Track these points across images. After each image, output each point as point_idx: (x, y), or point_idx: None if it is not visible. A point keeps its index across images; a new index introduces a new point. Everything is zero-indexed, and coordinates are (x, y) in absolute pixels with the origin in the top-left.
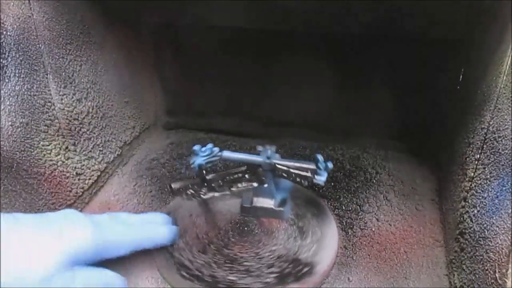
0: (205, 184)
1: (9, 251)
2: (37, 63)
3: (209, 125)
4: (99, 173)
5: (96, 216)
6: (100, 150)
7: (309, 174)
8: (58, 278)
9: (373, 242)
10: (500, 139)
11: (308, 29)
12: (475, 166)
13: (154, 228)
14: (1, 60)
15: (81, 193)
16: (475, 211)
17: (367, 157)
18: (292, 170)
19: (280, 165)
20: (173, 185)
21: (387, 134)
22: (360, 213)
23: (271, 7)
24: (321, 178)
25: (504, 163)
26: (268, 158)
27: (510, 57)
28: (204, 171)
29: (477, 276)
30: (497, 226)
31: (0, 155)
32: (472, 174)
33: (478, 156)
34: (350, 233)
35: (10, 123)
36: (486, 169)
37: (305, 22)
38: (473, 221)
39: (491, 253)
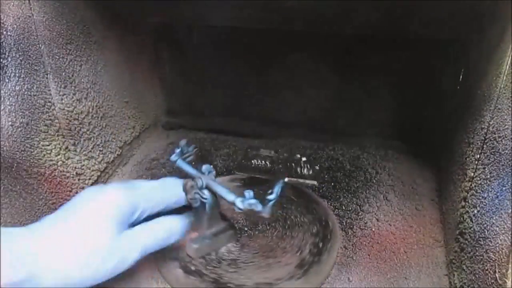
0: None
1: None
2: (37, 63)
3: (209, 125)
4: (99, 173)
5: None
6: (100, 150)
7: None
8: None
9: (373, 242)
10: (500, 139)
11: (308, 29)
12: (475, 166)
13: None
14: (1, 60)
15: None
16: (475, 211)
17: (367, 157)
18: None
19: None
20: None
21: (387, 134)
22: (360, 213)
23: (271, 7)
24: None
25: (504, 163)
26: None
27: (510, 57)
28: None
29: (477, 276)
30: (497, 226)
31: (0, 155)
32: (472, 174)
33: (478, 156)
34: (350, 233)
35: (10, 123)
36: (486, 169)
37: (305, 22)
38: (473, 221)
39: (491, 253)
